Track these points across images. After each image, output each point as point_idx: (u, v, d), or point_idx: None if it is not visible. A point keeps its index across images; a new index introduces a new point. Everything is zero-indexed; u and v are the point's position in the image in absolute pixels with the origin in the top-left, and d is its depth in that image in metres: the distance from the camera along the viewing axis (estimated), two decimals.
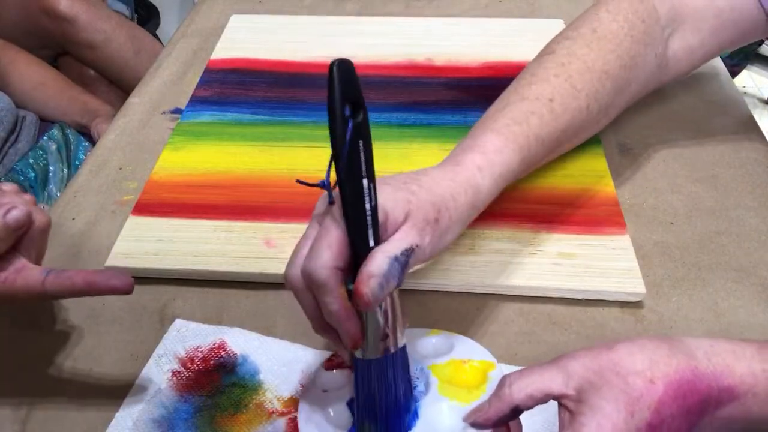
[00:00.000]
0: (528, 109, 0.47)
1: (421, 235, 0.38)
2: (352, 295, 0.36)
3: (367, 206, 0.35)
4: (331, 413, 0.41)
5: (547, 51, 0.52)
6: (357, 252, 0.36)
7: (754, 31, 0.55)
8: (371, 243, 0.36)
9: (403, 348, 0.39)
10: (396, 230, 0.37)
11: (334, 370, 0.44)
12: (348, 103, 0.33)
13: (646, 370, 0.33)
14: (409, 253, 0.36)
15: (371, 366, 0.38)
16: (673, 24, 0.54)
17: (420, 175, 0.41)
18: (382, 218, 0.36)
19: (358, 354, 0.38)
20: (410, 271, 0.38)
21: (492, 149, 0.45)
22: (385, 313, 0.37)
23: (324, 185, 0.36)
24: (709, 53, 0.56)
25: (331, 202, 0.36)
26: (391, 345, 0.38)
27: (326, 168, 0.35)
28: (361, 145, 0.34)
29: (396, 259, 0.36)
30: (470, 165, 0.43)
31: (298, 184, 0.38)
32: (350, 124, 0.33)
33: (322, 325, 0.38)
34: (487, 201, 0.44)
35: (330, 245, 0.35)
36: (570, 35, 0.52)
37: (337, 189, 0.35)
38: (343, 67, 0.32)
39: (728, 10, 0.53)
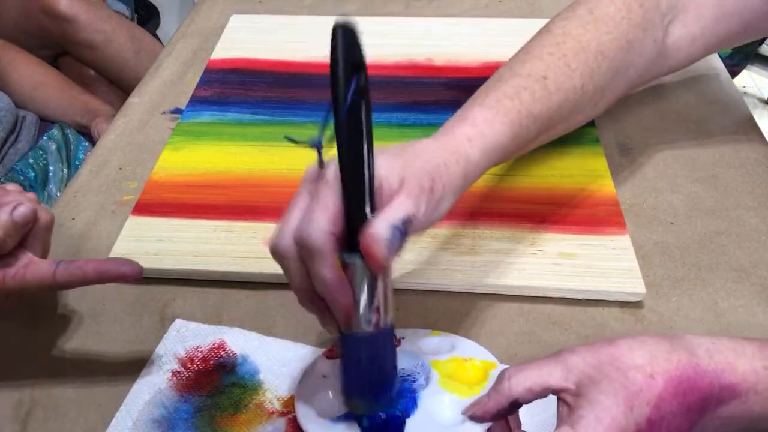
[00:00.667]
0: (520, 85, 0.46)
1: (416, 204, 0.37)
2: (346, 267, 0.35)
3: (366, 173, 0.34)
4: (330, 395, 0.41)
5: (544, 30, 0.52)
6: (352, 220, 0.34)
7: (759, 25, 0.54)
8: (368, 212, 0.35)
9: (391, 327, 0.39)
10: (391, 199, 0.36)
11: (336, 359, 0.44)
12: (351, 65, 0.32)
13: (646, 365, 0.33)
14: (407, 223, 0.35)
15: (360, 342, 0.37)
16: (674, 11, 0.53)
17: (413, 145, 0.40)
18: (376, 187, 0.35)
19: (346, 330, 0.37)
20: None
21: (481, 121, 0.44)
22: (377, 285, 0.36)
23: (315, 144, 0.34)
24: (712, 44, 0.56)
25: (321, 165, 0.35)
26: (381, 321, 0.37)
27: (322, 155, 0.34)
28: (363, 106, 0.33)
29: (397, 227, 0.35)
30: (460, 135, 0.42)
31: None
32: (353, 84, 0.32)
33: (310, 296, 0.37)
34: (478, 173, 0.43)
35: (326, 209, 0.34)
36: (567, 15, 0.52)
37: (329, 154, 0.34)
38: (347, 30, 0.33)
39: None
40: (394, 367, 0.40)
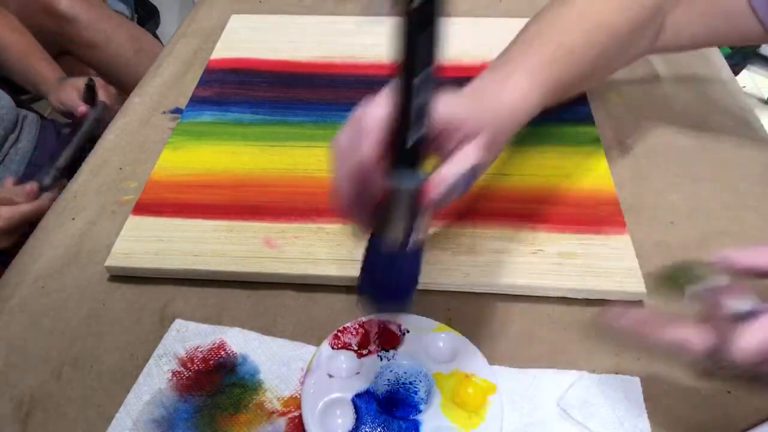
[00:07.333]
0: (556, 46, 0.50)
1: (488, 152, 0.39)
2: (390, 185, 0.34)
3: (415, 102, 0.31)
4: (337, 413, 0.42)
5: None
6: (402, 130, 0.32)
7: (746, 33, 0.54)
8: (409, 141, 0.32)
9: (421, 246, 0.39)
10: (467, 143, 0.38)
11: (342, 356, 0.44)
12: None
13: None
14: (476, 170, 0.37)
15: (388, 255, 0.37)
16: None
17: (489, 90, 0.44)
18: (456, 125, 0.37)
19: (377, 233, 0.37)
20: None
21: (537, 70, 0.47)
22: (418, 212, 0.36)
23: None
24: (698, 38, 0.56)
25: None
26: (413, 238, 0.37)
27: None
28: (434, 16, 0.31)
29: (464, 175, 0.36)
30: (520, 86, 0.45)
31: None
32: None
33: (354, 187, 0.36)
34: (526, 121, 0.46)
35: (381, 106, 0.34)
36: None
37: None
38: None
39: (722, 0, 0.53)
40: (416, 280, 0.40)
